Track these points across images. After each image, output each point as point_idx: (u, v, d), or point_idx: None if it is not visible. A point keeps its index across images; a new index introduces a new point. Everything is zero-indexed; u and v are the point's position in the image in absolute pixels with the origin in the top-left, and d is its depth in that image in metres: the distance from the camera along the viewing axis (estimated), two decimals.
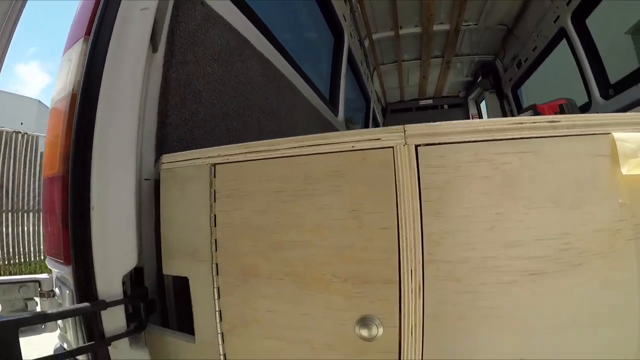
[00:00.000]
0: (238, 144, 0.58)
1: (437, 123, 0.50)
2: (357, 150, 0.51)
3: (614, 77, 1.94)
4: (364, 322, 0.50)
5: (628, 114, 0.50)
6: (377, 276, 0.50)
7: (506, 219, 0.49)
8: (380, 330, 0.50)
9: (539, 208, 0.48)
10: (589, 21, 1.98)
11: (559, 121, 0.48)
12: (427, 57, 3.37)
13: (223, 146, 0.59)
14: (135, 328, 0.66)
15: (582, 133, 0.48)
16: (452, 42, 3.07)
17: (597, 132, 0.48)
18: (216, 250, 0.58)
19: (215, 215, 0.58)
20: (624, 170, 0.46)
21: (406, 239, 0.49)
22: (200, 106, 0.90)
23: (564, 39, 2.14)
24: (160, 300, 0.75)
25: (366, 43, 2.90)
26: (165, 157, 0.65)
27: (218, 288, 0.58)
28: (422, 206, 0.49)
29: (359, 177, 0.51)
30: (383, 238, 0.50)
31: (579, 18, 2.01)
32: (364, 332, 0.50)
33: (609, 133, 0.48)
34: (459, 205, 0.49)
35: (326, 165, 0.52)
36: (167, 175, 0.65)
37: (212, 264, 0.58)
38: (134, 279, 0.71)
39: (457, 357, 0.50)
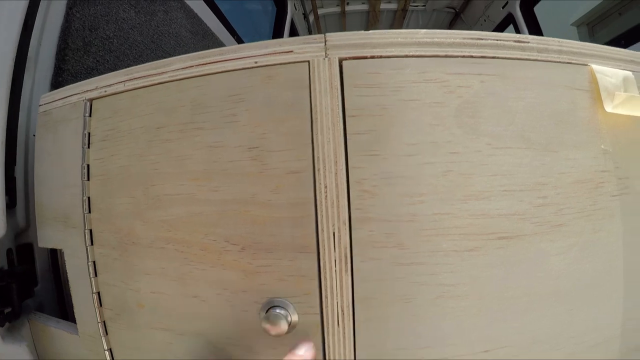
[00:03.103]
0: (119, 71, 0.43)
1: (370, 31, 0.36)
2: (261, 66, 0.37)
3: None
4: (272, 308, 0.36)
5: (607, 47, 0.40)
6: (287, 242, 0.35)
7: (465, 160, 0.34)
8: (295, 317, 0.36)
9: (506, 148, 0.35)
10: (537, 9, 1.91)
11: (528, 42, 0.36)
12: None
13: (102, 75, 0.44)
14: (7, 316, 0.52)
15: (556, 60, 0.37)
16: (399, 22, 2.92)
17: (572, 62, 0.37)
18: (89, 212, 0.44)
19: (88, 166, 0.44)
20: (609, 108, 0.37)
21: (325, 187, 0.34)
22: (109, 54, 0.76)
23: (511, 24, 2.06)
24: (56, 283, 0.61)
25: (311, 18, 2.73)
26: (44, 98, 0.51)
27: (94, 262, 0.44)
28: (348, 141, 0.34)
29: (262, 103, 0.36)
30: (294, 187, 0.35)
31: (527, 5, 1.93)
32: (272, 322, 0.36)
33: (586, 65, 0.38)
34: (400, 140, 0.34)
35: (220, 88, 0.37)
36: (42, 120, 0.50)
37: (84, 230, 0.44)
38: (17, 257, 0.57)
39: (401, 354, 0.35)
